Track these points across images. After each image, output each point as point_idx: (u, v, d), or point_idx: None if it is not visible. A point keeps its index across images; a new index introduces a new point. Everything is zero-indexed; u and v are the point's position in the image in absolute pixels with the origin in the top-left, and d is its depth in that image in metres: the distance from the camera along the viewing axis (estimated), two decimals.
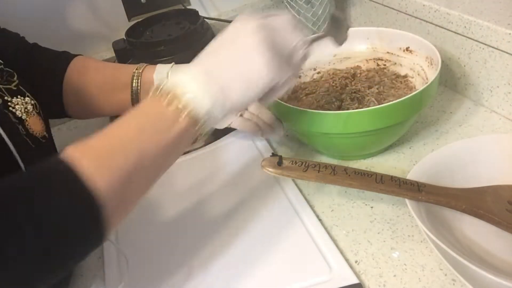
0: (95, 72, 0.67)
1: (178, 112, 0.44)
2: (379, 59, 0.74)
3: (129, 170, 0.41)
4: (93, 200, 0.38)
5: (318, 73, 0.77)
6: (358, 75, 0.74)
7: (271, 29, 0.47)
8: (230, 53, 0.46)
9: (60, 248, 0.38)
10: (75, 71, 0.66)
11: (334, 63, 0.77)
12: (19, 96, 0.53)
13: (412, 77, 0.70)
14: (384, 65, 0.74)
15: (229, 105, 0.46)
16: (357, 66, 0.76)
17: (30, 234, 0.36)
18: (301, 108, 0.59)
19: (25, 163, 0.48)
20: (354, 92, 0.69)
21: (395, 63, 0.73)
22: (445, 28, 0.72)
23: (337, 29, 0.59)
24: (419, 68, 0.69)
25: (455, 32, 0.71)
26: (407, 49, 0.71)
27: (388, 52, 0.74)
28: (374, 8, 0.90)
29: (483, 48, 0.68)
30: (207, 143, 0.75)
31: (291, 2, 0.91)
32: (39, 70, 0.65)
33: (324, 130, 0.60)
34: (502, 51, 0.65)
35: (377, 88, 0.69)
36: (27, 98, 0.54)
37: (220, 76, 0.45)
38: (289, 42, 0.48)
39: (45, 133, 0.55)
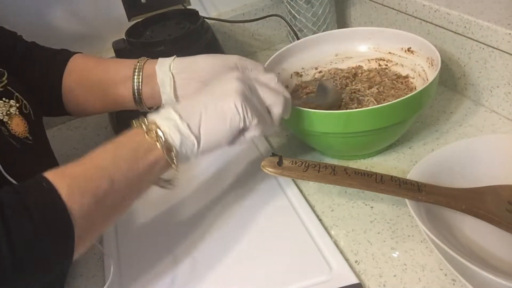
0: (95, 66, 0.67)
1: (154, 141, 0.47)
2: (380, 59, 0.74)
3: (101, 194, 0.44)
4: (69, 218, 0.41)
5: (320, 72, 0.77)
6: (359, 75, 0.74)
7: (250, 81, 0.53)
8: (207, 97, 0.51)
9: (33, 269, 0.40)
10: (74, 68, 0.66)
11: (336, 63, 0.77)
12: (3, 99, 0.54)
13: (413, 78, 0.70)
14: (386, 65, 0.74)
15: (196, 141, 0.49)
16: (359, 66, 0.76)
17: (7, 261, 0.38)
18: (302, 108, 0.59)
19: (9, 163, 0.49)
20: (354, 92, 0.69)
21: (397, 64, 0.73)
22: (445, 28, 0.72)
23: (323, 96, 0.66)
24: (420, 69, 0.69)
25: (455, 32, 0.71)
26: (408, 49, 0.71)
27: (389, 53, 0.74)
28: (374, 8, 0.90)
29: (483, 48, 0.68)
30: None
31: (291, 2, 0.91)
32: (37, 68, 0.65)
33: (324, 130, 0.60)
34: (502, 51, 0.65)
35: (377, 89, 0.69)
36: (12, 101, 0.54)
37: (195, 113, 0.50)
38: (266, 96, 0.53)
39: (27, 134, 0.55)
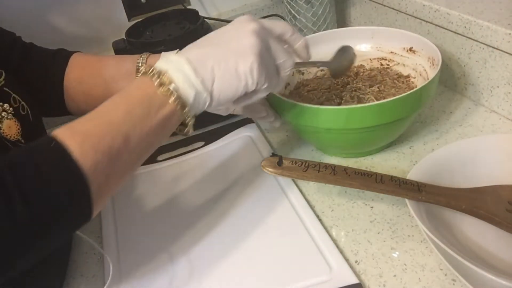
0: (97, 63, 0.67)
1: (167, 95, 0.45)
2: (382, 58, 0.75)
3: (114, 152, 0.43)
4: (82, 177, 0.40)
5: (321, 70, 0.77)
6: (361, 73, 0.74)
7: (267, 37, 0.49)
8: (222, 49, 0.48)
9: (48, 224, 0.39)
10: (76, 65, 0.66)
11: None
12: None
13: (414, 78, 0.70)
14: (388, 64, 0.74)
15: (209, 98, 0.48)
16: (361, 65, 0.76)
17: (24, 219, 0.37)
18: (302, 104, 0.59)
19: None
20: (355, 90, 0.70)
21: (399, 63, 0.73)
22: (445, 28, 0.72)
23: (339, 63, 0.63)
24: (421, 68, 0.69)
25: (455, 32, 0.71)
26: (410, 49, 0.71)
27: (391, 52, 0.74)
28: (374, 8, 0.90)
29: (483, 48, 0.68)
30: (207, 143, 0.75)
31: (291, 2, 0.91)
32: (37, 68, 0.65)
33: (325, 126, 0.60)
34: (502, 51, 0.65)
35: (378, 87, 0.69)
36: (5, 105, 0.54)
37: (208, 68, 0.47)
38: (279, 55, 0.50)
39: (19, 137, 0.54)
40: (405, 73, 0.72)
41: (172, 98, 0.46)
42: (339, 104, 0.67)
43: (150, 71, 0.47)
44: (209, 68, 0.47)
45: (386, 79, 0.71)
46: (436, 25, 0.73)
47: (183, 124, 0.49)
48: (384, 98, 0.66)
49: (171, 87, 0.45)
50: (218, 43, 0.49)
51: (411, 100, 0.58)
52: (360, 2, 0.95)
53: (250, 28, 0.48)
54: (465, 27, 0.68)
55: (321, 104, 0.67)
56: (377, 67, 0.75)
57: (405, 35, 0.72)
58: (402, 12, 0.81)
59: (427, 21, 0.75)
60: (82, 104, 0.66)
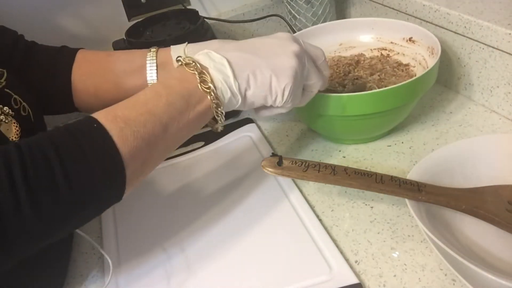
0: (105, 57, 0.66)
1: (207, 92, 0.48)
2: (383, 48, 0.76)
3: (153, 141, 0.45)
4: (119, 160, 0.42)
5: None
6: (362, 62, 0.76)
7: (305, 58, 0.53)
8: (262, 61, 0.51)
9: (83, 201, 0.41)
10: (83, 60, 0.66)
11: (339, 52, 0.79)
12: None
13: (414, 66, 0.72)
14: (388, 54, 0.76)
15: (240, 101, 0.51)
16: (361, 54, 0.78)
17: (63, 186, 0.39)
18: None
19: None
20: (356, 79, 0.71)
21: (398, 53, 0.75)
22: (445, 28, 0.72)
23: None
24: (421, 57, 0.70)
25: (455, 32, 0.71)
26: (410, 39, 0.73)
27: (391, 42, 0.76)
28: (374, 8, 0.90)
29: (483, 48, 0.68)
30: (207, 143, 0.75)
31: (291, 2, 0.91)
32: (42, 65, 0.64)
33: (326, 112, 0.62)
34: (502, 51, 0.65)
35: (379, 75, 0.71)
36: (5, 108, 0.54)
37: (246, 75, 0.50)
38: (312, 77, 0.54)
39: (18, 139, 0.54)
40: (404, 62, 0.73)
41: (211, 96, 0.48)
42: (342, 92, 0.69)
43: (192, 65, 0.49)
44: (247, 75, 0.50)
45: (386, 67, 0.73)
46: (436, 25, 0.73)
47: (214, 120, 0.52)
48: (385, 86, 0.67)
49: (211, 85, 0.48)
50: (260, 53, 0.51)
51: (409, 88, 0.60)
52: (360, 2, 0.95)
53: (292, 49, 0.52)
54: (465, 27, 0.68)
55: (324, 92, 0.69)
56: (377, 56, 0.76)
57: (405, 26, 0.73)
58: (402, 12, 0.81)
59: (427, 21, 0.75)
60: (91, 99, 0.66)
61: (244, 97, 0.51)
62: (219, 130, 0.54)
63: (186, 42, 0.63)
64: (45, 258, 0.55)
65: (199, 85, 0.48)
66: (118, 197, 0.45)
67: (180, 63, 0.50)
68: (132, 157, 0.43)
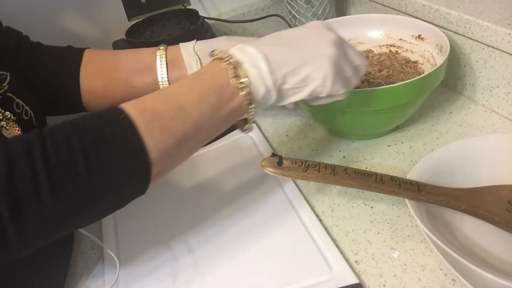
0: (113, 56, 0.66)
1: (239, 88, 0.46)
2: (391, 45, 0.77)
3: (181, 136, 0.44)
4: (144, 154, 0.41)
5: None
6: (370, 58, 0.76)
7: (344, 45, 0.50)
8: (299, 53, 0.48)
9: (103, 191, 0.40)
10: (91, 59, 0.66)
11: None
12: None
13: (422, 64, 0.72)
14: (396, 51, 0.76)
15: (276, 97, 0.48)
16: (370, 50, 0.78)
17: (85, 183, 0.38)
18: None
19: None
20: (365, 75, 0.71)
21: (407, 50, 0.75)
22: (445, 28, 0.72)
23: None
24: (429, 55, 0.71)
25: (455, 32, 0.71)
26: (419, 36, 0.73)
27: (400, 39, 0.76)
28: (374, 8, 0.90)
29: (483, 48, 0.68)
30: (207, 143, 0.75)
31: (291, 2, 0.91)
32: (47, 67, 0.64)
33: (333, 107, 0.61)
34: (502, 51, 0.65)
35: (387, 72, 0.71)
36: (7, 112, 0.53)
37: (282, 69, 0.47)
38: (356, 59, 0.51)
39: None
40: (413, 59, 0.74)
41: (244, 92, 0.46)
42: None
43: (225, 59, 0.47)
44: (284, 70, 0.47)
45: (394, 64, 0.73)
46: (436, 25, 0.73)
47: (243, 120, 0.51)
48: (393, 83, 0.67)
49: (245, 81, 0.46)
50: (296, 45, 0.49)
51: (416, 85, 0.61)
52: (360, 2, 0.95)
53: (330, 38, 0.49)
54: (465, 27, 0.68)
55: None
56: (386, 52, 0.77)
57: (414, 23, 0.74)
58: (402, 12, 0.81)
59: (427, 21, 0.75)
60: (100, 99, 0.66)
61: (280, 93, 0.48)
62: (247, 132, 0.52)
63: (195, 40, 0.63)
64: (46, 258, 0.55)
65: (232, 80, 0.46)
66: (141, 190, 0.43)
67: (213, 57, 0.48)
68: (159, 151, 0.42)
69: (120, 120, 0.41)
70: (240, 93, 0.46)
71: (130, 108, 0.42)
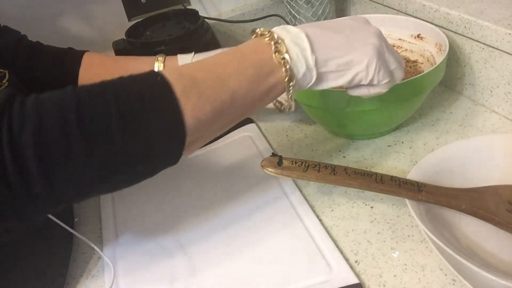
0: (113, 63, 0.66)
1: (281, 63, 0.45)
2: (391, 45, 0.76)
3: (219, 106, 0.42)
4: (182, 122, 0.40)
5: None
6: None
7: (385, 42, 0.50)
8: (343, 37, 0.48)
9: (140, 154, 0.39)
10: (90, 63, 0.66)
11: None
12: None
13: (422, 63, 0.72)
14: (396, 51, 0.76)
15: (315, 78, 0.47)
16: None
17: (118, 141, 0.37)
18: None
19: None
20: None
21: (407, 49, 0.75)
22: (445, 28, 0.72)
23: None
24: (429, 54, 0.71)
25: (455, 32, 0.71)
26: (418, 36, 0.73)
27: (400, 39, 0.76)
28: (374, 8, 0.90)
29: (483, 48, 0.68)
30: (207, 143, 0.75)
31: (291, 2, 0.91)
32: (46, 68, 0.64)
33: (333, 107, 0.63)
34: (502, 51, 0.65)
35: None
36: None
37: (325, 50, 0.47)
38: (393, 60, 0.51)
39: None
40: (412, 59, 0.74)
41: (284, 68, 0.45)
42: None
43: (267, 35, 0.46)
44: (326, 51, 0.47)
45: None
46: (436, 25, 0.73)
47: (279, 103, 0.50)
48: None
49: (286, 57, 0.45)
50: (340, 31, 0.49)
51: (419, 83, 0.61)
52: (360, 2, 0.95)
53: (373, 29, 0.50)
54: (465, 27, 0.68)
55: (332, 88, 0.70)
56: None
57: (413, 22, 0.74)
58: (402, 12, 0.81)
59: (427, 21, 0.75)
60: None
61: (320, 74, 0.47)
62: (287, 111, 0.51)
63: (193, 52, 0.63)
64: (45, 258, 0.55)
65: (273, 55, 0.45)
66: (174, 157, 0.42)
67: (255, 35, 0.48)
68: (194, 117, 0.41)
69: (158, 82, 0.40)
70: (280, 69, 0.45)
71: (168, 73, 0.41)
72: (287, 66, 0.45)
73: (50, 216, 0.50)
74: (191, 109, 0.40)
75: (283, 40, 0.46)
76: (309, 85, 0.48)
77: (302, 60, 0.46)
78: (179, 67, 0.43)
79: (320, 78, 0.48)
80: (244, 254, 0.55)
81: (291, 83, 0.46)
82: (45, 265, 0.55)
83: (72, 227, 0.64)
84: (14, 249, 0.50)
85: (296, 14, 0.92)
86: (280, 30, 0.47)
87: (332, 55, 0.47)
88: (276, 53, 0.45)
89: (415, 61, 0.73)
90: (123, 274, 0.56)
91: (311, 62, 0.46)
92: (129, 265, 0.57)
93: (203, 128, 0.42)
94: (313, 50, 0.46)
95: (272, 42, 0.45)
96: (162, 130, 0.40)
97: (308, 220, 0.57)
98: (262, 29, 0.47)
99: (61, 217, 0.55)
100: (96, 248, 0.56)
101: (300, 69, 0.46)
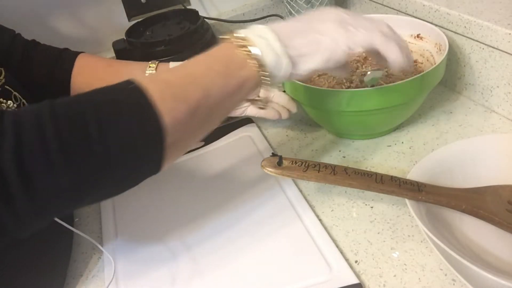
0: (105, 67, 0.66)
1: (247, 57, 0.46)
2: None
3: (194, 104, 0.43)
4: (159, 123, 0.40)
5: None
6: (369, 58, 0.76)
7: (349, 13, 0.51)
8: (305, 22, 0.49)
9: (121, 164, 0.39)
10: (83, 66, 0.66)
11: None
12: (0, 99, 0.53)
13: (421, 63, 0.72)
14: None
15: (290, 64, 0.48)
16: None
17: (97, 147, 0.37)
18: (310, 86, 0.62)
19: None
20: (364, 75, 0.71)
21: None
22: (445, 28, 0.72)
23: None
24: (428, 54, 0.71)
25: (455, 32, 0.71)
26: (417, 35, 0.73)
27: None
28: (374, 8, 0.90)
29: (483, 48, 0.68)
30: (207, 143, 0.75)
31: (291, 2, 0.91)
32: (41, 66, 0.64)
33: (333, 107, 0.63)
34: (502, 51, 0.65)
35: (386, 72, 0.71)
36: (9, 101, 0.53)
37: (291, 36, 0.48)
38: (362, 24, 0.50)
39: None
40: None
41: (252, 60, 0.46)
42: (349, 87, 0.70)
43: (233, 35, 0.47)
44: (290, 36, 0.48)
45: None
46: (436, 25, 0.73)
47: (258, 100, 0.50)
48: (392, 82, 0.67)
49: (252, 49, 0.46)
50: (302, 19, 0.50)
51: (419, 83, 0.61)
52: (360, 2, 0.95)
53: (333, 9, 0.51)
54: (465, 27, 0.68)
55: (332, 88, 0.70)
56: None
57: (412, 22, 0.74)
58: (402, 12, 0.81)
59: (427, 21, 0.75)
60: None
61: (293, 59, 0.47)
62: (263, 107, 0.51)
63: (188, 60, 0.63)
64: (45, 258, 0.55)
65: (240, 50, 0.46)
66: (156, 160, 0.41)
67: (222, 39, 0.49)
68: (171, 118, 0.41)
69: (132, 89, 0.41)
70: (249, 63, 0.46)
71: (141, 79, 0.42)
72: (256, 58, 0.46)
73: None
74: (167, 111, 0.41)
75: (245, 36, 0.47)
76: (286, 73, 0.48)
77: (269, 49, 0.46)
78: (152, 74, 0.44)
79: (295, 62, 0.48)
80: (244, 254, 0.55)
81: (264, 74, 0.46)
82: (45, 265, 0.55)
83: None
84: (13, 249, 0.50)
85: (296, 14, 0.92)
86: (244, 30, 0.48)
87: (298, 39, 0.48)
88: (242, 48, 0.46)
89: (415, 61, 0.73)
90: (123, 273, 0.56)
91: (279, 48, 0.46)
92: (130, 263, 0.57)
93: (182, 128, 0.42)
94: (278, 39, 0.47)
95: (238, 40, 0.46)
96: (140, 134, 0.40)
97: (308, 220, 0.57)
98: (229, 32, 0.48)
99: (61, 218, 0.55)
100: (97, 244, 0.56)
101: (270, 59, 0.46)
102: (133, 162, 0.40)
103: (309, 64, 0.49)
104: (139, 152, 0.40)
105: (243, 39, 0.46)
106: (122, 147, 0.39)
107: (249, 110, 0.68)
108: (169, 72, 0.45)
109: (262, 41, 0.46)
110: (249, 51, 0.46)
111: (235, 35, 0.47)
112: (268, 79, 0.47)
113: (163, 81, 0.43)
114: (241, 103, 0.50)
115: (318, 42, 0.48)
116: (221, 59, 0.46)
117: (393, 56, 0.50)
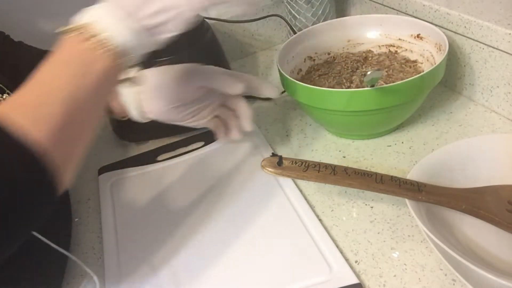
0: None
1: (95, 47, 0.41)
2: (391, 45, 0.77)
3: (61, 117, 0.39)
4: (33, 153, 0.36)
5: (332, 57, 0.80)
6: (370, 58, 0.77)
7: None
8: None
9: (10, 210, 0.36)
10: None
11: (348, 48, 0.80)
12: None
13: (422, 63, 0.72)
14: (396, 51, 0.77)
15: (152, 37, 0.44)
16: (369, 50, 0.79)
17: None
18: (310, 86, 0.62)
19: None
20: (364, 75, 0.71)
21: (406, 49, 0.75)
22: (445, 28, 0.72)
23: None
24: (429, 54, 0.71)
25: (455, 32, 0.71)
26: (418, 35, 0.73)
27: (399, 39, 0.76)
28: (374, 8, 0.90)
29: (483, 48, 0.68)
30: (207, 143, 0.75)
31: (291, 2, 0.91)
32: (23, 68, 0.64)
33: (332, 107, 0.63)
34: (502, 51, 0.65)
35: (387, 72, 0.71)
36: (5, 95, 0.53)
37: (136, 7, 0.43)
38: None
39: None
40: (412, 58, 0.74)
41: (102, 48, 0.41)
42: (349, 87, 0.70)
43: (70, 28, 0.42)
44: (130, 5, 0.43)
45: (394, 63, 0.73)
46: (436, 25, 0.73)
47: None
48: (392, 82, 0.67)
49: (97, 37, 0.41)
50: None
51: (419, 83, 0.61)
52: (360, 2, 0.95)
53: None
54: (465, 27, 0.68)
55: (332, 88, 0.70)
56: (385, 52, 0.77)
57: (413, 22, 0.74)
58: (402, 12, 0.81)
59: (427, 21, 0.75)
60: None
61: (149, 31, 0.44)
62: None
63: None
64: (45, 258, 0.55)
65: (81, 44, 0.41)
66: (48, 193, 0.38)
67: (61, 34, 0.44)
68: (52, 141, 0.38)
69: None
70: (99, 51, 0.41)
71: (2, 107, 0.38)
72: (105, 44, 0.41)
73: (43, 238, 0.49)
74: (44, 133, 0.38)
75: (86, 23, 0.42)
76: (148, 45, 0.45)
77: (120, 29, 0.42)
78: (8, 99, 0.40)
79: (153, 33, 0.44)
80: (244, 254, 0.55)
81: (118, 54, 0.42)
82: (45, 264, 0.55)
83: (71, 229, 0.64)
84: (3, 272, 0.49)
85: (296, 14, 0.92)
86: (85, 16, 0.43)
87: (141, 7, 0.43)
88: (86, 41, 0.42)
89: (415, 61, 0.73)
90: (124, 273, 0.56)
91: (130, 24, 0.42)
92: (130, 264, 0.57)
93: (65, 142, 0.40)
94: (124, 15, 0.42)
95: (78, 31, 0.42)
96: (13, 164, 0.36)
97: (308, 220, 0.57)
98: (67, 27, 0.43)
99: (60, 220, 0.55)
100: (91, 273, 0.55)
101: (122, 39, 0.42)
102: (20, 198, 0.37)
103: (170, 30, 0.46)
104: (23, 183, 0.37)
105: (82, 28, 0.42)
106: (8, 198, 0.36)
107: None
108: (24, 93, 0.40)
109: (108, 21, 0.42)
110: (95, 41, 0.41)
111: (72, 26, 0.42)
112: (129, 57, 0.43)
113: (21, 105, 0.39)
114: (114, 90, 0.46)
115: (167, 9, 0.44)
116: (70, 61, 0.42)
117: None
